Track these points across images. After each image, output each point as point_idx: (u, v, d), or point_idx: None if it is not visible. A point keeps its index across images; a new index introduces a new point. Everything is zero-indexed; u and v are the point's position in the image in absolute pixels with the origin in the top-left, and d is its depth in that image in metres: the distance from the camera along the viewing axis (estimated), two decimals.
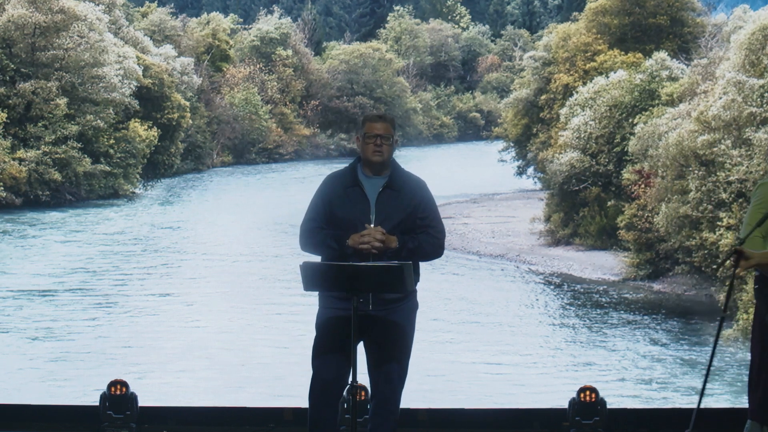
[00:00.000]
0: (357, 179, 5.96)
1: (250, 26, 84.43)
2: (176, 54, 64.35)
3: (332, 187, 5.98)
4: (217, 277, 33.21)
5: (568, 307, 30.97)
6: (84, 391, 19.49)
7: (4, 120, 47.16)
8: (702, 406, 6.17)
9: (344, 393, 6.09)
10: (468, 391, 20.53)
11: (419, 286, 6.03)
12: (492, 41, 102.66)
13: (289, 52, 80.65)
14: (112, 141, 50.92)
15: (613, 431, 7.41)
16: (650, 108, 36.04)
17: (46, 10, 49.55)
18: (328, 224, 5.92)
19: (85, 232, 42.69)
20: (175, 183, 59.93)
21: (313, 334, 6.05)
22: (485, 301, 30.96)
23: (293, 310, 26.76)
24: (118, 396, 7.41)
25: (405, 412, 6.94)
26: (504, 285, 33.92)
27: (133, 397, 7.44)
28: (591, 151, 37.98)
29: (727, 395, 21.27)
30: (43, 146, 48.15)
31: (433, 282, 30.03)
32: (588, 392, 7.37)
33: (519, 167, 53.82)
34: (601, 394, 7.41)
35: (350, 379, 5.81)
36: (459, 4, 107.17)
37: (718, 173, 28.50)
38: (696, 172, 29.05)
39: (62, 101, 48.91)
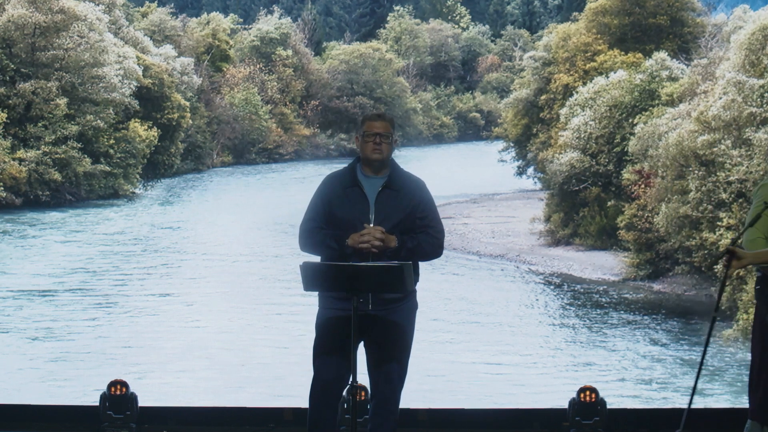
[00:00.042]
0: (356, 179, 5.97)
1: (250, 26, 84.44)
2: (176, 54, 64.35)
3: (331, 187, 5.98)
4: (217, 277, 33.21)
5: (568, 307, 30.97)
6: (84, 391, 19.49)
7: (4, 120, 47.16)
8: (702, 406, 6.18)
9: (344, 393, 6.09)
10: (468, 391, 20.53)
11: (419, 286, 6.03)
12: (492, 41, 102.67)
13: (289, 52, 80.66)
14: (112, 141, 50.92)
15: (613, 431, 7.41)
16: (650, 108, 36.04)
17: (46, 10, 49.55)
18: (328, 224, 5.92)
19: (85, 232, 42.69)
20: (175, 183, 59.93)
21: (313, 334, 6.05)
22: (485, 301, 30.96)
23: (293, 310, 26.76)
24: (118, 396, 7.41)
25: (405, 412, 6.94)
26: (504, 285, 33.93)
27: (133, 397, 7.44)
28: (591, 151, 37.99)
29: (727, 395, 21.27)
30: (43, 146, 48.15)
31: (433, 282, 30.03)
32: (588, 392, 7.37)
33: (519, 167, 53.82)
34: (601, 394, 7.41)
35: (350, 379, 5.81)
36: (459, 4, 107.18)
37: (718, 173, 28.50)
38: (696, 172, 29.05)
39: (62, 101, 48.91)
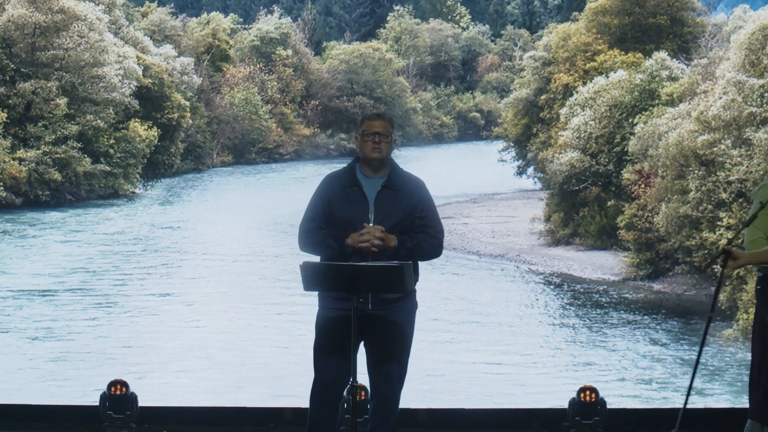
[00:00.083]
0: (356, 179, 5.97)
1: (250, 26, 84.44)
2: (176, 54, 64.35)
3: (331, 187, 5.98)
4: (217, 277, 33.21)
5: (568, 307, 30.97)
6: (84, 391, 19.49)
7: (4, 120, 47.16)
8: (702, 406, 6.18)
9: (345, 393, 6.09)
10: (468, 391, 20.53)
11: (419, 286, 6.03)
12: (492, 41, 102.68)
13: (289, 52, 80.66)
14: (112, 141, 50.93)
15: (613, 431, 7.41)
16: (650, 108, 36.04)
17: (46, 10, 49.55)
18: (327, 224, 5.92)
19: (85, 232, 42.69)
20: (175, 183, 59.93)
21: (313, 334, 6.05)
22: (485, 301, 30.95)
23: (293, 310, 26.76)
24: (118, 396, 7.41)
25: (405, 412, 6.94)
26: (504, 285, 33.92)
27: (133, 397, 7.44)
28: (591, 151, 37.99)
29: (727, 395, 21.27)
30: (43, 146, 48.15)
31: (433, 282, 30.03)
32: (588, 392, 7.37)
33: (519, 167, 53.82)
34: (601, 394, 7.42)
35: (350, 379, 5.81)
36: (459, 4, 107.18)
37: (718, 173, 28.50)
38: (696, 172, 29.05)
39: (62, 101, 48.91)
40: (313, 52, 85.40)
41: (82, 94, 50.43)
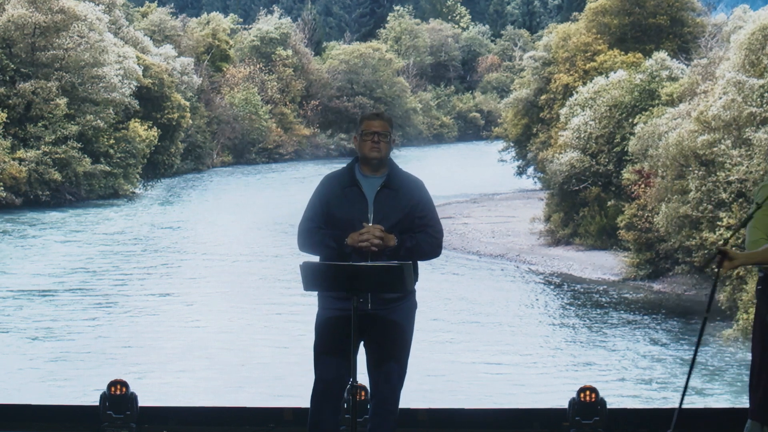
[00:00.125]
0: (355, 179, 5.97)
1: (250, 26, 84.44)
2: (176, 54, 64.35)
3: (330, 187, 5.99)
4: (217, 277, 33.21)
5: (568, 307, 30.97)
6: (84, 391, 19.49)
7: (4, 120, 47.16)
8: (702, 406, 6.19)
9: (345, 393, 6.09)
10: (468, 391, 20.53)
11: (419, 286, 6.03)
12: (492, 41, 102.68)
13: (289, 52, 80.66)
14: (112, 141, 50.93)
15: (613, 431, 7.41)
16: (650, 108, 36.04)
17: (46, 10, 49.55)
18: (327, 224, 5.92)
19: (85, 232, 42.69)
20: (175, 183, 59.93)
21: (313, 334, 6.05)
22: (485, 301, 30.95)
23: (293, 310, 26.76)
24: (118, 396, 7.41)
25: (405, 412, 6.94)
26: (504, 285, 33.92)
27: (133, 397, 7.44)
28: (591, 151, 37.99)
29: (727, 395, 21.27)
30: (43, 146, 48.15)
31: (433, 282, 30.03)
32: (588, 392, 7.37)
33: (519, 167, 53.82)
34: (601, 394, 7.41)
35: (351, 379, 5.82)
36: (459, 4, 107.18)
37: (718, 173, 28.50)
38: (696, 172, 29.05)
39: (62, 101, 48.91)
40: (313, 52, 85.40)
41: (82, 94, 50.43)
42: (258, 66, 77.86)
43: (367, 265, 5.70)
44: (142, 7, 74.90)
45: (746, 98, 28.98)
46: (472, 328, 27.32)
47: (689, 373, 6.43)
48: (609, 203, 37.23)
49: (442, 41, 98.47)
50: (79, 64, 50.42)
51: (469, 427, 7.56)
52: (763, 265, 5.89)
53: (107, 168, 50.56)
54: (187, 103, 60.61)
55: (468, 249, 39.75)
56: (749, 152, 28.43)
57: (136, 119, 53.19)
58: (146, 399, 7.65)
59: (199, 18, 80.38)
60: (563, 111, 40.73)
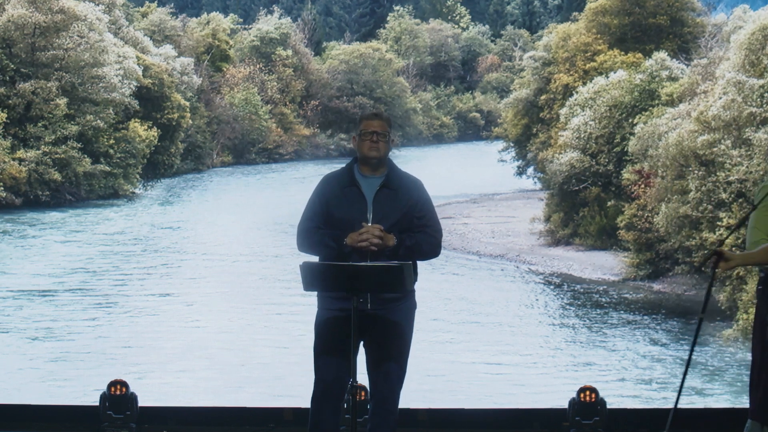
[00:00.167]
0: (354, 179, 5.97)
1: (250, 26, 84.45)
2: (176, 54, 64.36)
3: (329, 187, 5.99)
4: (217, 277, 33.21)
5: (568, 307, 30.97)
6: (84, 391, 19.49)
7: (4, 120, 47.17)
8: (702, 406, 6.18)
9: (345, 393, 6.09)
10: (468, 391, 20.54)
11: (419, 286, 6.03)
12: (492, 41, 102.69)
13: (289, 52, 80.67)
14: (112, 141, 50.94)
15: (613, 431, 7.41)
16: (650, 108, 36.04)
17: (46, 10, 49.56)
18: (326, 224, 5.92)
19: (85, 232, 42.70)
20: (175, 183, 59.94)
21: (313, 334, 6.05)
22: (485, 301, 30.96)
23: (293, 310, 26.76)
24: (118, 396, 7.41)
25: (405, 412, 6.94)
26: (504, 285, 33.93)
27: (133, 397, 7.44)
28: (591, 151, 37.99)
29: (727, 395, 21.27)
30: (43, 146, 48.16)
31: (433, 282, 30.03)
32: (588, 392, 7.37)
33: (519, 167, 53.83)
34: (601, 394, 7.42)
35: (351, 379, 5.82)
36: (459, 4, 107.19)
37: (718, 173, 28.50)
38: (696, 172, 29.05)
39: (62, 101, 48.92)
40: (313, 52, 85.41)
41: (82, 94, 50.43)
42: (258, 66, 77.86)
43: (367, 265, 5.70)
44: (142, 7, 74.91)
45: (746, 98, 28.98)
46: (472, 328, 27.32)
47: (684, 375, 6.44)
48: (609, 203, 37.24)
49: (442, 41, 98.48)
50: (79, 64, 50.42)
51: (469, 427, 7.56)
52: (759, 265, 5.88)
53: (107, 168, 50.57)
54: (187, 103, 60.62)
55: (468, 249, 39.75)
56: (749, 152, 28.43)
57: (136, 119, 53.20)
58: (146, 399, 7.65)
59: (199, 18, 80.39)
60: (563, 111, 40.73)
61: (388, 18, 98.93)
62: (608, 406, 7.41)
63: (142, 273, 34.34)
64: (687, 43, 46.79)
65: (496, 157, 54.87)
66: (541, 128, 48.75)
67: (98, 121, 50.09)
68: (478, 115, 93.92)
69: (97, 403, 7.48)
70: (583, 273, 35.46)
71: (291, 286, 28.27)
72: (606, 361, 24.45)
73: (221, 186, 60.15)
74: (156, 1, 76.67)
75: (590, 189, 38.47)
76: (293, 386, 17.22)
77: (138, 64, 54.00)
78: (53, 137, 48.44)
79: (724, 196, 28.22)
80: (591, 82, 40.77)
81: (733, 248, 25.12)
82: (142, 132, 52.79)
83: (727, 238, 6.05)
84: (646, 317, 29.18)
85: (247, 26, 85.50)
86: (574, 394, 7.41)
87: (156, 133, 53.76)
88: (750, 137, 28.44)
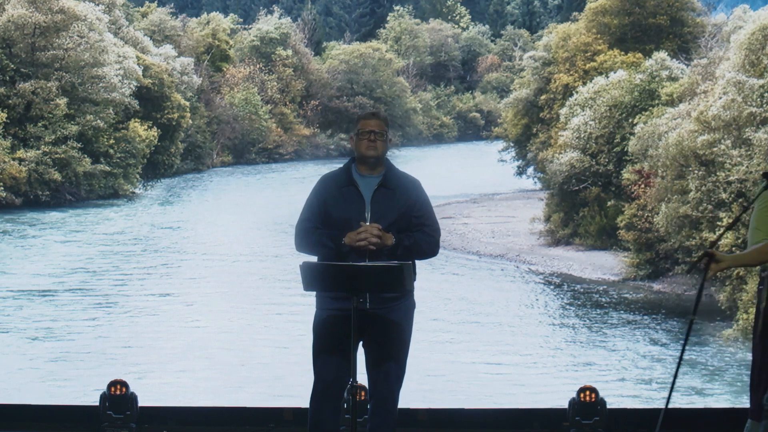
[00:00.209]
0: (352, 178, 5.98)
1: (250, 26, 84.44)
2: (176, 54, 64.36)
3: (327, 187, 5.99)
4: (217, 277, 33.21)
5: (568, 307, 30.97)
6: (84, 391, 19.49)
7: (4, 120, 47.17)
8: (702, 406, 6.19)
9: (345, 393, 6.09)
10: (468, 391, 20.54)
11: (419, 286, 6.03)
12: (492, 41, 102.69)
13: (289, 52, 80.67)
14: (112, 141, 50.94)
15: (613, 431, 7.41)
16: (650, 108, 36.05)
17: (46, 10, 49.56)
18: (324, 224, 5.92)
19: (85, 232, 42.70)
20: (175, 183, 59.94)
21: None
22: (485, 301, 30.96)
23: (293, 310, 26.76)
24: (118, 396, 7.41)
25: (405, 412, 6.94)
26: (504, 285, 33.93)
27: (133, 397, 7.44)
28: (591, 151, 37.99)
29: (727, 395, 21.28)
30: (43, 146, 48.16)
31: (433, 282, 30.04)
32: (588, 392, 7.37)
33: (519, 167, 53.84)
34: (601, 394, 7.42)
35: (350, 379, 5.82)
36: (459, 4, 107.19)
37: (718, 173, 28.50)
38: (696, 172, 29.05)
39: (62, 101, 48.92)
40: (313, 52, 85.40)
41: (82, 94, 50.44)
42: (258, 66, 77.86)
43: (367, 265, 5.70)
44: (142, 7, 74.91)
45: (746, 98, 28.98)
46: (472, 328, 27.32)
47: (675, 376, 6.45)
48: (609, 203, 37.24)
49: (442, 41, 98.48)
50: (79, 64, 50.42)
51: (469, 427, 7.56)
52: (750, 266, 5.88)
53: (107, 168, 50.57)
54: (187, 103, 60.62)
55: (468, 249, 39.75)
56: (749, 152, 28.44)
57: (136, 119, 53.20)
58: (146, 399, 7.65)
59: (199, 18, 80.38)
60: (563, 111, 40.74)
61: (388, 18, 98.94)
62: (608, 406, 7.41)
63: (142, 273, 34.34)
64: (687, 43, 46.80)
65: (496, 157, 54.87)
66: (541, 128, 48.75)
67: (98, 121, 50.09)
68: (478, 115, 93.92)
69: (97, 403, 7.48)
70: (583, 273, 35.47)
71: (291, 286, 28.27)
72: (606, 361, 24.45)
73: (221, 186, 60.15)
74: (156, 1, 76.66)
75: (590, 189, 38.47)
76: (293, 386, 17.21)
77: (138, 64, 54.01)
78: (53, 137, 48.44)
79: (724, 196, 28.22)
80: (591, 82, 40.78)
81: (733, 248, 25.12)
82: (142, 132, 52.79)
83: (718, 239, 6.03)
84: (646, 317, 29.18)
85: (247, 26, 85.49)
86: (574, 394, 7.41)
87: (156, 133, 53.77)
88: (750, 137, 28.45)
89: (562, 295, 32.58)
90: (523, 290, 33.28)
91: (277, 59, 79.53)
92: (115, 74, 51.11)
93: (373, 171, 6.00)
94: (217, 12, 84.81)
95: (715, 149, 28.75)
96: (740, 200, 27.75)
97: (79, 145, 49.04)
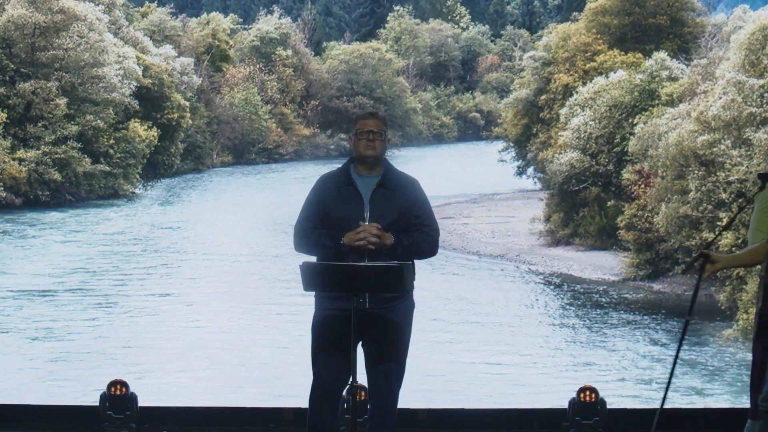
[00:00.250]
0: (350, 178, 5.98)
1: (250, 26, 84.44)
2: (176, 54, 64.36)
3: (325, 187, 6.00)
4: (217, 277, 33.21)
5: (568, 307, 30.97)
6: (84, 391, 19.49)
7: (4, 120, 47.17)
8: (702, 406, 6.19)
9: (344, 393, 6.09)
10: (468, 391, 20.54)
11: (419, 286, 6.03)
12: (492, 41, 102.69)
13: (289, 52, 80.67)
14: (112, 141, 50.94)
15: (613, 431, 7.41)
16: (650, 108, 36.05)
17: (46, 10, 49.56)
18: (322, 224, 5.92)
19: (85, 232, 42.70)
20: (175, 183, 59.94)
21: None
22: (485, 301, 30.96)
23: (293, 310, 26.75)
24: (118, 396, 7.41)
25: (405, 412, 6.94)
26: (504, 285, 33.93)
27: (133, 397, 7.44)
28: (591, 151, 37.99)
29: (727, 395, 21.28)
30: (43, 146, 48.16)
31: (433, 282, 30.04)
32: (588, 392, 7.37)
33: (519, 167, 53.84)
34: (601, 394, 7.42)
35: (350, 378, 5.81)
36: (459, 4, 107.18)
37: (718, 173, 28.50)
38: (696, 172, 29.06)
39: (62, 101, 48.92)
40: (313, 52, 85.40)
41: (82, 94, 50.44)
42: (258, 66, 77.86)
43: (368, 266, 5.70)
44: (142, 7, 74.91)
45: (746, 98, 28.98)
46: (472, 328, 27.32)
47: (670, 377, 6.44)
48: (609, 203, 37.24)
49: (442, 41, 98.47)
50: (79, 64, 50.42)
51: (469, 427, 7.56)
52: (745, 266, 5.88)
53: (107, 168, 50.58)
54: (187, 103, 60.62)
55: (468, 249, 39.75)
56: (749, 152, 28.44)
57: (136, 119, 53.20)
58: (146, 399, 7.66)
59: (199, 18, 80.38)
60: (563, 111, 40.74)
61: (388, 18, 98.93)
62: (608, 406, 7.41)
63: (142, 273, 34.34)
64: (687, 43, 46.80)
65: (496, 157, 54.87)
66: (541, 128, 48.75)
67: (98, 121, 50.09)
68: (478, 115, 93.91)
69: (97, 403, 7.48)
70: (583, 273, 35.47)
71: (291, 286, 28.27)
72: (606, 361, 24.45)
73: (221, 186, 60.15)
74: (156, 1, 76.67)
75: (590, 189, 38.47)
76: (293, 386, 17.20)
77: (138, 64, 54.01)
78: (53, 137, 48.44)
79: (724, 196, 28.22)
80: (591, 82, 40.78)
81: (733, 248, 25.12)
82: (142, 132, 52.79)
83: (713, 241, 6.03)
84: (646, 317, 29.17)
85: (247, 26, 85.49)
86: (574, 394, 7.41)
87: (156, 133, 53.77)
88: (750, 137, 28.45)
89: (562, 295, 32.58)
90: (523, 290, 33.28)
91: (277, 59, 79.53)
92: (115, 74, 51.11)
93: (372, 171, 6.00)
94: (217, 12, 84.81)
95: (715, 149, 28.76)
96: (740, 200, 27.75)
97: (79, 145, 49.04)
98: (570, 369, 23.50)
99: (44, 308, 28.53)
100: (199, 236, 41.80)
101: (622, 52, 45.81)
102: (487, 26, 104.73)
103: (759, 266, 5.90)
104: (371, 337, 5.93)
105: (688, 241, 29.12)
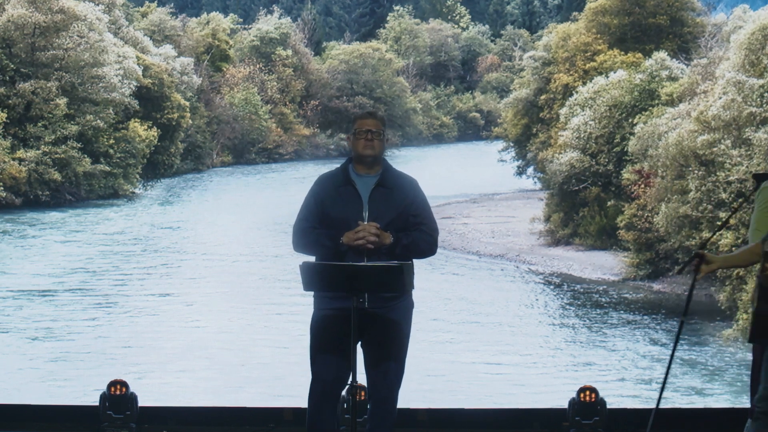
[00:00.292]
0: (349, 178, 5.98)
1: (250, 26, 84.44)
2: (176, 54, 64.36)
3: (324, 186, 6.00)
4: (217, 277, 33.21)
5: (568, 307, 30.97)
6: (84, 391, 19.49)
7: (4, 120, 47.17)
8: (702, 406, 6.19)
9: (344, 393, 6.09)
10: (468, 391, 20.53)
11: (419, 286, 6.03)
12: (492, 41, 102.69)
13: (289, 52, 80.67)
14: (112, 141, 50.94)
15: (613, 431, 7.41)
16: (650, 108, 36.05)
17: (46, 10, 49.56)
18: (321, 224, 5.93)
19: (85, 232, 42.69)
20: (175, 183, 59.93)
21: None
22: (485, 301, 30.95)
23: (293, 310, 26.75)
24: (118, 396, 7.41)
25: (405, 412, 6.94)
26: (504, 285, 33.92)
27: (133, 397, 7.44)
28: (591, 151, 37.99)
29: (727, 395, 21.27)
30: (43, 146, 48.16)
31: (433, 282, 30.04)
32: (588, 392, 7.37)
33: (519, 167, 53.84)
34: (601, 394, 7.41)
35: (349, 378, 5.81)
36: (459, 4, 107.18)
37: (717, 173, 28.50)
38: (696, 172, 29.05)
39: (62, 101, 48.92)
40: (312, 52, 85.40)
41: (82, 94, 50.44)
42: (258, 66, 77.86)
43: (367, 265, 5.70)
44: (142, 7, 74.90)
45: (746, 98, 28.98)
46: (472, 328, 27.32)
47: (665, 377, 6.44)
48: (609, 203, 37.24)
49: (442, 41, 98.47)
50: (79, 64, 50.42)
51: (469, 427, 7.56)
52: (740, 267, 5.88)
53: (107, 168, 50.58)
54: (187, 103, 60.62)
55: (468, 249, 39.75)
56: (749, 152, 28.44)
57: (136, 119, 53.20)
58: (146, 399, 7.65)
59: (198, 18, 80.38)
60: (563, 111, 40.74)
61: (388, 18, 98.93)
62: (608, 406, 7.41)
63: (142, 273, 34.34)
64: (687, 43, 46.80)
65: (496, 157, 54.87)
66: (541, 128, 48.75)
67: (98, 121, 50.10)
68: (478, 115, 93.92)
69: (97, 403, 7.48)
70: (583, 273, 35.46)
71: (291, 286, 28.26)
72: (606, 361, 24.45)
73: (221, 186, 60.15)
74: (156, 1, 76.66)
75: (590, 189, 38.47)
76: (293, 386, 17.19)
77: (138, 64, 54.01)
78: (53, 137, 48.44)
79: (724, 196, 28.22)
80: (591, 82, 40.78)
81: (733, 248, 25.12)
82: (142, 132, 52.79)
83: (707, 241, 6.04)
84: (646, 317, 29.18)
85: (247, 26, 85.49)
86: (574, 394, 7.41)
87: (156, 133, 53.77)
88: (750, 137, 28.45)
89: (562, 295, 32.58)
90: (523, 290, 33.28)
91: (277, 59, 79.53)
92: (115, 74, 51.11)
93: (371, 170, 6.00)
94: (217, 12, 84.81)
95: (715, 149, 28.76)
96: (740, 200, 27.74)
97: (79, 145, 49.04)
98: (570, 369, 23.50)
99: (44, 308, 28.53)
100: (199, 236, 41.80)
101: (622, 52, 45.81)
102: (487, 26, 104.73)
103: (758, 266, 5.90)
104: (371, 336, 5.93)
105: (688, 241, 29.12)
